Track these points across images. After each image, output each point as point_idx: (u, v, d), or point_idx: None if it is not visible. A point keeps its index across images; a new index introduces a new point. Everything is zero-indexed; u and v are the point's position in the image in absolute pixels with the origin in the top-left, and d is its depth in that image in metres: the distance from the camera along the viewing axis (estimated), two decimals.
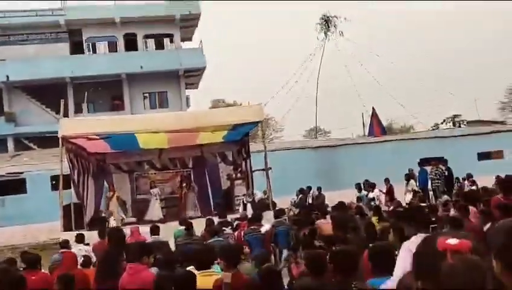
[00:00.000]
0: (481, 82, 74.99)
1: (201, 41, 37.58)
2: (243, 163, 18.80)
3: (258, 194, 17.39)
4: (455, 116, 49.32)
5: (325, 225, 10.85)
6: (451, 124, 48.51)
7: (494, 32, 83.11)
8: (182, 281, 4.67)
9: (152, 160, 19.52)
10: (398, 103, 43.85)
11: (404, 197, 17.18)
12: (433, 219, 6.10)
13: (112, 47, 37.12)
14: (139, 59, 35.84)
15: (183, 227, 11.26)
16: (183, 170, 19.77)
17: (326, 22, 41.80)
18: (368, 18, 71.36)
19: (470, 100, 63.07)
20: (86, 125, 16.51)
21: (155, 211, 17.90)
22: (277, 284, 5.02)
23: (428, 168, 19.00)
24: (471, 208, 9.05)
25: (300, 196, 19.73)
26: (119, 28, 36.62)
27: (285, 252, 11.11)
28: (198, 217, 15.63)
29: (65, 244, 10.37)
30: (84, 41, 36.71)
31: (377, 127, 27.94)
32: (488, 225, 7.69)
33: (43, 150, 29.82)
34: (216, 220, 12.69)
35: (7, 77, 34.13)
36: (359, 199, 16.75)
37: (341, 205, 12.02)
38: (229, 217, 13.71)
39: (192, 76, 38.67)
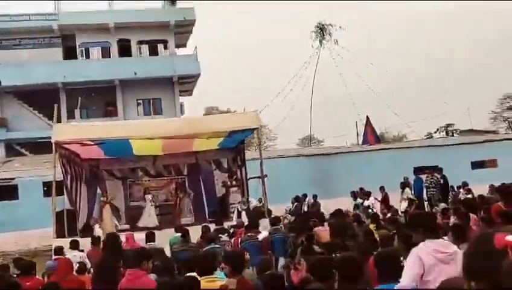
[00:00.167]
0: (473, 92, 75.48)
1: (195, 47, 37.52)
2: (238, 170, 18.68)
3: (253, 202, 17.29)
4: (448, 125, 49.59)
5: (323, 232, 10.76)
6: (444, 133, 48.76)
7: (486, 41, 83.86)
8: (186, 286, 4.55)
9: (146, 167, 19.37)
10: (393, 112, 43.93)
11: (399, 205, 17.16)
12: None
13: (106, 53, 36.95)
14: (133, 65, 35.68)
15: (179, 234, 11.17)
16: (177, 177, 19.61)
17: (321, 30, 41.81)
18: (363, 26, 71.66)
19: (463, 110, 63.48)
20: (79, 130, 16.40)
21: (151, 217, 17.72)
22: (282, 289, 4.96)
23: (423, 177, 18.96)
24: (472, 216, 9.03)
25: (296, 203, 19.65)
26: (112, 33, 36.48)
27: (281, 260, 10.99)
28: (193, 225, 15.49)
29: (59, 250, 10.22)
30: (77, 47, 36.51)
31: (371, 136, 27.97)
32: None
33: (35, 156, 29.57)
34: (212, 227, 12.57)
35: None
36: (356, 206, 16.70)
37: (339, 212, 11.95)
38: (225, 225, 13.61)
39: (186, 83, 38.55)
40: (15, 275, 8.16)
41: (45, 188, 22.50)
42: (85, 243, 11.91)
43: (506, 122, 55.86)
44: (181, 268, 7.18)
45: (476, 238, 1.77)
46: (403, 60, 68.46)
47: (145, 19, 36.23)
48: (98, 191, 18.33)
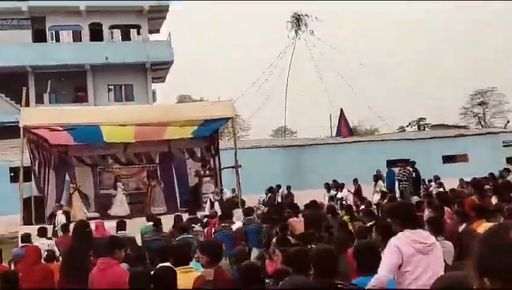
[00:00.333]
0: (444, 87, 76.53)
1: (169, 33, 36.96)
2: (212, 160, 18.51)
3: (227, 193, 17.09)
4: (420, 119, 50.19)
5: (298, 223, 10.70)
6: (416, 127, 49.34)
7: (456, 41, 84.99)
8: (161, 277, 4.37)
9: (116, 154, 19.04)
10: (366, 105, 44.21)
11: (372, 197, 17.28)
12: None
13: (76, 36, 36.10)
14: (105, 50, 34.94)
15: (151, 223, 10.94)
16: (149, 165, 19.31)
17: (297, 21, 41.59)
18: (339, 17, 71.92)
19: (434, 104, 64.36)
20: (49, 115, 15.96)
21: (123, 206, 17.42)
22: (258, 280, 4.83)
23: (396, 170, 19.09)
24: (446, 209, 9.07)
25: (270, 194, 19.58)
26: (84, 17, 35.62)
27: (255, 251, 10.87)
28: (165, 214, 15.27)
29: (27, 238, 9.93)
30: (47, 30, 35.60)
31: (345, 128, 28.14)
32: (463, 226, 7.69)
33: (2, 141, 28.73)
34: (185, 216, 12.38)
35: None
36: (331, 198, 16.72)
37: (313, 203, 11.90)
38: (199, 214, 13.44)
39: (159, 69, 38.00)
40: None
41: (12, 174, 21.98)
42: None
43: (476, 117, 56.95)
44: (154, 258, 6.98)
45: (491, 232, 1.62)
46: (378, 54, 68.85)
47: (118, 3, 35.47)
48: (67, 177, 17.96)
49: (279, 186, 20.02)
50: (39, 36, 35.70)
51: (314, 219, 10.72)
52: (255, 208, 16.59)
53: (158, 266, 5.16)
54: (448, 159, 27.49)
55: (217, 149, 18.03)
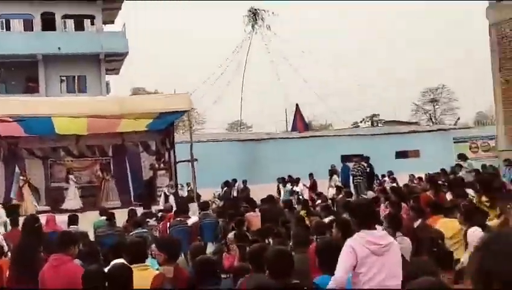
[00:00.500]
0: (398, 84, 78.04)
1: (124, 24, 36.23)
2: (167, 153, 18.28)
3: (184, 189, 16.92)
4: (373, 115, 51.04)
5: (255, 218, 10.69)
6: (369, 123, 50.13)
7: (409, 39, 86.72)
8: (117, 275, 4.21)
9: (68, 146, 18.57)
10: (320, 100, 44.55)
11: (327, 191, 17.46)
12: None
13: (28, 25, 34.92)
14: (57, 40, 33.90)
15: (104, 217, 10.69)
16: (102, 158, 18.90)
17: (254, 15, 41.42)
18: (296, 12, 72.12)
19: (387, 101, 65.53)
20: None
21: (75, 199, 16.99)
22: (214, 275, 4.71)
23: (350, 165, 19.33)
24: (403, 205, 9.18)
25: (225, 188, 19.49)
26: (36, 5, 34.46)
27: (210, 246, 10.78)
28: (119, 208, 14.97)
29: None
30: None
31: (300, 123, 28.25)
32: (418, 221, 7.79)
33: None
34: (139, 211, 12.16)
35: None
36: (290, 192, 16.81)
37: (270, 198, 11.89)
38: (153, 209, 13.24)
39: (113, 61, 37.17)
40: None
41: None
42: None
43: (427, 114, 58.35)
44: (107, 254, 6.78)
45: (494, 236, 1.57)
46: (334, 50, 69.45)
47: None
48: (17, 170, 17.39)
49: (235, 181, 19.97)
50: None
51: (271, 213, 10.72)
52: (210, 202, 16.51)
53: (112, 263, 4.97)
54: (400, 154, 28.07)
55: (173, 142, 17.82)
